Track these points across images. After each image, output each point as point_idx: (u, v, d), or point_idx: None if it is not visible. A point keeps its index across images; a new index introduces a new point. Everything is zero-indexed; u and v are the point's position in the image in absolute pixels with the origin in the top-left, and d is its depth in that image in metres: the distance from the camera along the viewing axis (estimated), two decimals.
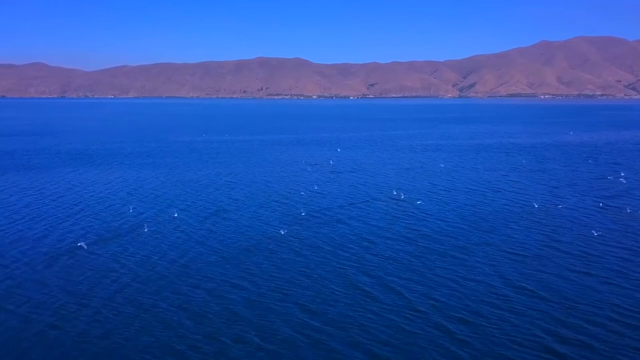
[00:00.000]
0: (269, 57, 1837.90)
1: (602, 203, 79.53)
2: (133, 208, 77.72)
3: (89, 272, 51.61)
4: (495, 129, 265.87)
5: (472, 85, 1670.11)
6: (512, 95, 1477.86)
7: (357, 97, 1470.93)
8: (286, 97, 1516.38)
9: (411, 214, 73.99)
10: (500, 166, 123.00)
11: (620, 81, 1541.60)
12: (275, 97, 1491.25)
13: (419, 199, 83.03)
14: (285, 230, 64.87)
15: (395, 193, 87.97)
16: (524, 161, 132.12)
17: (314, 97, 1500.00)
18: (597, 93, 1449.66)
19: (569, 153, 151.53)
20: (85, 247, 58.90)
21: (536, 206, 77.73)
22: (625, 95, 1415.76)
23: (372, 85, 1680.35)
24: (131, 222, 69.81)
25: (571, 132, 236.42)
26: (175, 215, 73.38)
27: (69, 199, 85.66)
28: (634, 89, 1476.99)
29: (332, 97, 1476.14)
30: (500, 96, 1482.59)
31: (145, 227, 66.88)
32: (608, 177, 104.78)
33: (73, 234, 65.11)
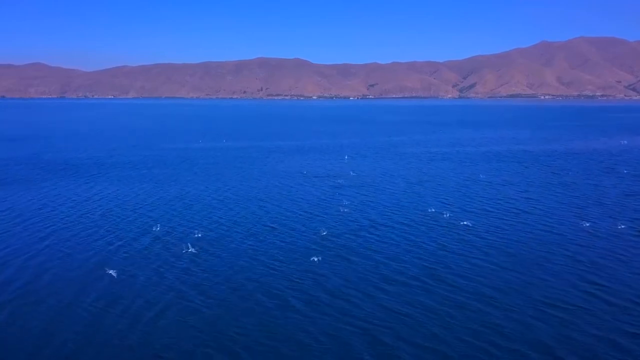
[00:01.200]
0: (269, 58, 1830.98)
1: None
2: (103, 237, 68.05)
3: (32, 330, 41.92)
4: (501, 134, 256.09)
5: (472, 86, 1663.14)
6: (512, 96, 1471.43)
7: (357, 98, 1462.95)
8: (286, 97, 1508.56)
9: (423, 245, 64.12)
10: (515, 179, 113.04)
11: (620, 82, 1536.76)
12: (275, 98, 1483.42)
13: (430, 225, 73.24)
14: (276, 271, 55.13)
15: (404, 217, 78.31)
16: (540, 173, 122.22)
17: (314, 97, 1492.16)
18: (597, 94, 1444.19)
19: (585, 163, 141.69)
20: (37, 293, 49.37)
21: (565, 234, 67.89)
22: (625, 95, 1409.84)
23: (372, 85, 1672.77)
24: (98, 257, 60.01)
25: (578, 138, 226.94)
26: (149, 247, 63.61)
27: (34, 223, 75.90)
28: (634, 89, 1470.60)
29: (332, 98, 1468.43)
30: (501, 97, 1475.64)
31: (113, 264, 57.08)
32: (638, 194, 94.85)
33: (27, 272, 55.38)
